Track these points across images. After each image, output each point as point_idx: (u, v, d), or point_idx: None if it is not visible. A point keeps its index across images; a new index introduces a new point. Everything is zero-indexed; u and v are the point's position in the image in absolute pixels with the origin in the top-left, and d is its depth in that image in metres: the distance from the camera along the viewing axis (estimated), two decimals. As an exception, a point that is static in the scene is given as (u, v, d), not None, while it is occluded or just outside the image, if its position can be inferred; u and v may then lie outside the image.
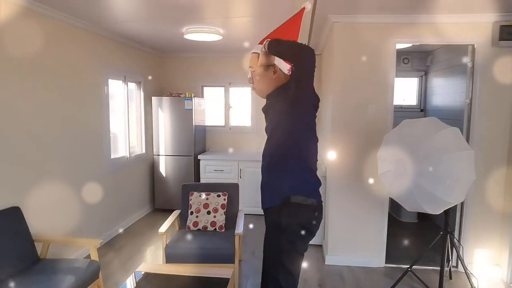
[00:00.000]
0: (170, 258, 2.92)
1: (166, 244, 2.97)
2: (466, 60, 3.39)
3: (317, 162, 1.94)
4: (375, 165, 2.97)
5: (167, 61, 5.75)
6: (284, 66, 1.86)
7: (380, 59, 3.34)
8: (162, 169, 5.29)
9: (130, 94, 4.76)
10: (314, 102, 1.84)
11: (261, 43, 1.91)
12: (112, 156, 4.26)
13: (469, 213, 3.35)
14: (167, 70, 5.77)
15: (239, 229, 3.09)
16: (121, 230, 4.43)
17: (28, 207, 2.85)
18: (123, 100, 4.62)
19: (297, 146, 1.77)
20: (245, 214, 3.60)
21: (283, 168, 1.78)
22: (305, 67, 1.67)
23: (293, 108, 1.73)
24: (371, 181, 3.39)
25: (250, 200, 4.90)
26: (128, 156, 4.66)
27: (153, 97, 5.22)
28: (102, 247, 2.71)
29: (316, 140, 1.87)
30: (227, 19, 3.51)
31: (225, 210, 3.41)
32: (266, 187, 1.86)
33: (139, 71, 4.95)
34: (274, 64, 1.86)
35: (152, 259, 3.67)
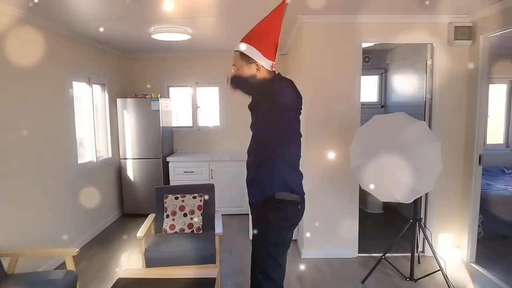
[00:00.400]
0: (150, 262, 2.85)
1: (145, 248, 2.90)
2: (424, 58, 3.64)
3: (300, 157, 2.01)
4: (346, 160, 3.10)
5: (131, 62, 5.57)
6: (266, 63, 1.88)
7: (347, 58, 3.48)
8: (130, 173, 5.12)
9: (94, 96, 4.56)
10: (294, 105, 1.90)
11: (242, 40, 1.92)
12: (79, 162, 4.07)
13: (433, 201, 3.61)
14: (132, 71, 5.59)
15: (218, 229, 3.09)
16: (91, 238, 4.25)
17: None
18: (88, 103, 4.42)
19: (278, 145, 1.83)
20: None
21: (265, 165, 1.85)
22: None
23: (272, 110, 1.78)
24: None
25: (225, 200, 4.88)
26: (95, 161, 4.46)
27: (118, 99, 5.03)
28: (73, 256, 2.58)
29: (298, 137, 1.94)
30: (195, 18, 3.48)
31: (201, 211, 3.38)
32: (250, 184, 1.93)
33: (103, 72, 4.75)
34: (256, 62, 1.88)
35: (128, 264, 3.56)
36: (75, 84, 4.04)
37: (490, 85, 4.97)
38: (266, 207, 1.85)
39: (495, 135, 5.62)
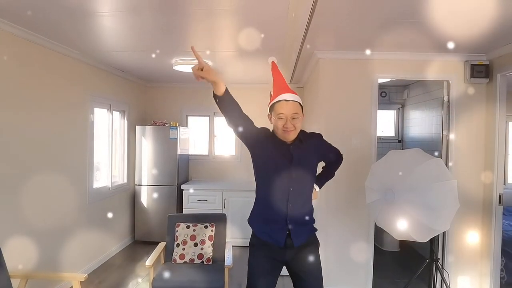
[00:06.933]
0: (157, 292, 2.81)
1: (153, 278, 2.87)
2: (441, 94, 3.63)
3: None
4: (362, 195, 3.04)
5: (151, 90, 5.78)
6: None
7: (363, 93, 3.50)
8: (144, 199, 5.16)
9: (114, 123, 4.72)
10: None
11: (292, 91, 2.12)
12: (95, 186, 4.14)
13: (451, 241, 3.46)
14: (152, 99, 5.78)
15: (228, 261, 3.04)
16: (101, 263, 4.24)
17: (4, 240, 2.69)
18: (107, 129, 4.56)
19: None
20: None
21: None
22: None
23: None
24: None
25: (236, 231, 4.84)
26: (110, 185, 4.54)
27: (137, 126, 5.18)
28: (80, 282, 2.57)
29: None
30: (216, 52, 3.63)
31: (212, 241, 3.35)
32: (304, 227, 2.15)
33: (123, 99, 4.93)
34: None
35: (135, 294, 3.52)
36: (96, 110, 4.20)
37: (510, 123, 4.89)
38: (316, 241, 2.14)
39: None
